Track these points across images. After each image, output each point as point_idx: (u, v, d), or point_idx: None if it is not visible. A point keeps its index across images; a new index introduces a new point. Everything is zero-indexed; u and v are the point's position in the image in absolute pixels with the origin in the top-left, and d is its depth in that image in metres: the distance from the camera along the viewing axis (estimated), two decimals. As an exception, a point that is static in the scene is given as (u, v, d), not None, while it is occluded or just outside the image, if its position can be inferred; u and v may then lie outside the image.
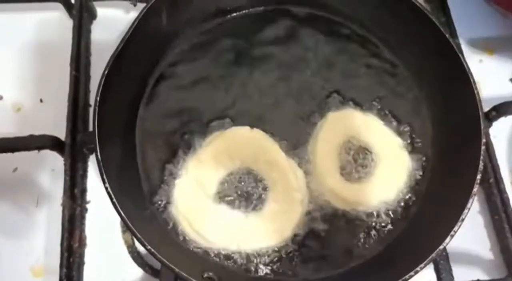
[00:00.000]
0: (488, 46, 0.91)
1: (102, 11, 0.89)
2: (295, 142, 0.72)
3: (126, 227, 0.59)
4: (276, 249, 0.67)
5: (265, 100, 0.75)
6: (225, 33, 0.79)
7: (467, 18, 0.90)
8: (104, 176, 0.60)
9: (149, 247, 0.58)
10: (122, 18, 0.89)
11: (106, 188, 0.60)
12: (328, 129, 0.72)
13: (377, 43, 0.79)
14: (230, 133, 0.71)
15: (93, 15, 0.89)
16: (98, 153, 0.61)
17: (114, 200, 0.59)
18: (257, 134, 0.71)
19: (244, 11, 0.81)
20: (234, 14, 0.81)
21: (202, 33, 0.79)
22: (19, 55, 0.87)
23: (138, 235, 0.58)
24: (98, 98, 0.63)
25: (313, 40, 0.79)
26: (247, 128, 0.72)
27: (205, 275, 0.62)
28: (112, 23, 0.87)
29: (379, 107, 0.75)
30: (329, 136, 0.72)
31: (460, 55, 0.69)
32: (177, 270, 0.57)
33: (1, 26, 0.89)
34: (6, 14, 0.90)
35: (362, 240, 0.68)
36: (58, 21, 0.89)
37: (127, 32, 0.68)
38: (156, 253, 0.58)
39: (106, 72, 0.65)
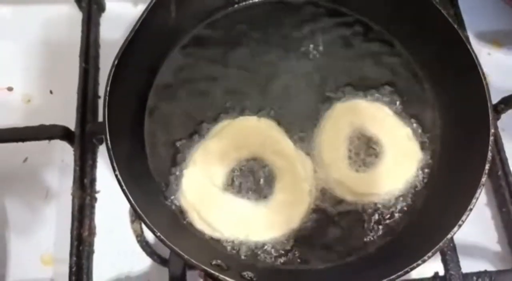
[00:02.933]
0: (497, 38, 0.91)
1: (111, 4, 0.90)
2: (303, 132, 0.72)
3: (135, 215, 0.60)
4: (284, 238, 0.67)
5: (273, 90, 0.76)
6: (234, 24, 0.80)
7: (475, 11, 0.90)
8: (114, 164, 0.60)
9: (158, 233, 0.58)
10: (130, 11, 0.90)
11: (116, 175, 0.60)
12: (335, 119, 0.72)
13: (385, 35, 0.79)
14: (238, 123, 0.71)
15: (102, 8, 0.89)
16: (108, 141, 0.61)
17: (124, 187, 0.59)
18: (265, 124, 0.72)
19: (251, 2, 0.81)
20: (242, 4, 0.81)
21: (211, 24, 0.80)
22: (29, 47, 0.88)
23: (147, 221, 0.58)
24: (108, 88, 0.64)
25: (320, 31, 0.79)
26: (254, 117, 0.72)
27: (214, 262, 0.62)
28: (121, 16, 0.88)
29: (387, 98, 0.75)
30: (336, 126, 0.72)
31: (469, 47, 0.69)
32: (186, 257, 0.57)
33: (12, 19, 0.91)
34: (17, 7, 0.91)
35: (369, 229, 0.68)
36: (68, 14, 0.90)
37: (136, 24, 0.68)
38: (165, 239, 0.58)
39: (116, 62, 0.65)
